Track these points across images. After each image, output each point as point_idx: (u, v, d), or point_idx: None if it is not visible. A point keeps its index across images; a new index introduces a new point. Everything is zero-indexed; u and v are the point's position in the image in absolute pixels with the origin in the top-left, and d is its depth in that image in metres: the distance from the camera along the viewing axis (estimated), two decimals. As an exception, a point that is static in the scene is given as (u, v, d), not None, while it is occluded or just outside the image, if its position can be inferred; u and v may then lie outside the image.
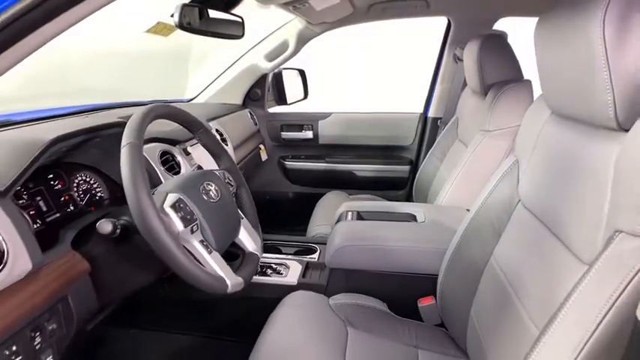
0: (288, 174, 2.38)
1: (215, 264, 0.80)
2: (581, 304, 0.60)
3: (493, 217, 1.02)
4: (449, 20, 2.01)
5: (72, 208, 1.01)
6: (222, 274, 0.80)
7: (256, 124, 2.22)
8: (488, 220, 1.03)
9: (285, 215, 2.36)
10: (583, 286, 0.61)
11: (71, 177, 1.04)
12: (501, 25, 1.93)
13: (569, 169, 0.76)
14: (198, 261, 0.79)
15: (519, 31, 1.81)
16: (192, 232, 0.79)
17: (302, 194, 2.40)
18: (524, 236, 0.90)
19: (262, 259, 1.42)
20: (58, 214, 0.96)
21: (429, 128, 2.20)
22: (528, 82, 1.50)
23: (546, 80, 0.83)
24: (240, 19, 1.36)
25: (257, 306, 1.24)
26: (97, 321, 0.97)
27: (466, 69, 1.69)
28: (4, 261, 0.68)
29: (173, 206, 0.77)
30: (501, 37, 1.59)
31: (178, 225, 0.76)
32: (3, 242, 0.68)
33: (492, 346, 0.89)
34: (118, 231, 0.79)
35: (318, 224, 1.76)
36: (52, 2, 0.50)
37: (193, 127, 0.99)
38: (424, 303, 1.21)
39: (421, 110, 2.25)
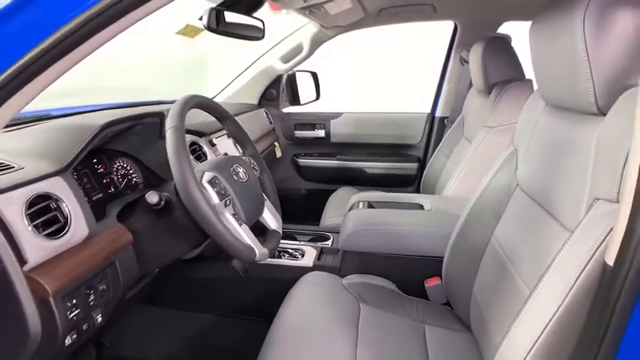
0: (301, 171, 2.49)
1: (245, 235, 0.91)
2: (564, 262, 0.69)
3: (494, 202, 1.12)
4: (455, 24, 2.11)
5: (112, 189, 1.13)
6: (251, 243, 0.90)
7: (271, 123, 2.34)
8: (490, 205, 1.13)
9: (298, 210, 2.47)
10: (566, 247, 0.70)
11: (111, 162, 1.16)
12: (505, 29, 2.04)
13: (559, 152, 0.86)
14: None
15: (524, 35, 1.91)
16: (225, 205, 0.90)
17: (314, 190, 2.50)
18: (521, 216, 1.00)
19: (279, 246, 1.52)
20: (100, 194, 1.08)
21: (436, 127, 2.31)
22: (529, 81, 1.60)
23: (539, 74, 0.93)
24: (261, 22, 1.48)
25: (275, 286, 1.34)
26: (135, 291, 1.08)
27: (471, 69, 1.79)
28: (67, 225, 0.80)
29: (210, 182, 0.88)
30: (504, 39, 1.69)
31: (214, 198, 0.87)
32: (67, 209, 0.80)
33: (492, 316, 0.98)
34: (163, 202, 0.90)
35: (331, 216, 1.87)
36: (119, 5, 0.61)
37: (223, 117, 1.10)
38: (430, 283, 1.30)
39: (429, 110, 2.35)
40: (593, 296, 0.59)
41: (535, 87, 1.57)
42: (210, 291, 1.47)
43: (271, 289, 1.39)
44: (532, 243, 0.89)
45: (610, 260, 0.54)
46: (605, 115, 0.72)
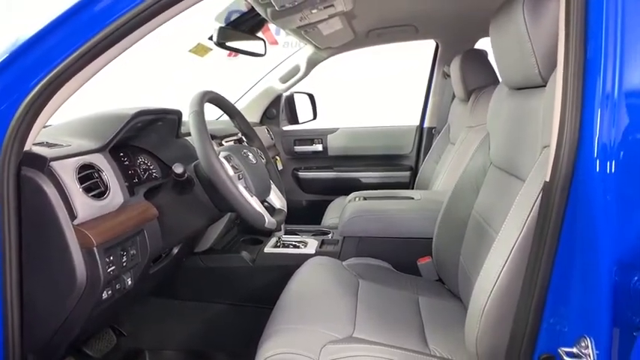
0: (301, 183, 2.65)
1: (256, 204, 1.05)
2: (522, 201, 0.84)
3: (472, 180, 1.27)
4: (437, 43, 2.34)
5: (136, 180, 1.28)
6: (261, 211, 1.05)
7: (272, 139, 2.52)
8: (469, 183, 1.28)
9: (299, 220, 2.60)
10: (521, 193, 0.85)
11: (135, 157, 1.32)
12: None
13: (519, 123, 1.03)
14: None
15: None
16: (239, 178, 1.05)
17: (314, 201, 2.64)
18: (494, 186, 1.15)
19: (283, 239, 1.66)
20: (127, 183, 1.23)
21: (425, 137, 2.50)
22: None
23: (499, 64, 1.11)
24: (263, 41, 1.68)
25: (281, 273, 1.46)
26: (158, 267, 1.21)
27: (452, 79, 1.99)
28: (107, 192, 0.95)
29: (225, 158, 1.04)
30: (479, 51, 1.90)
31: (230, 170, 1.03)
32: (107, 178, 0.95)
33: (475, 273, 1.11)
34: (186, 175, 1.05)
35: (331, 217, 2.01)
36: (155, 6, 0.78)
37: (232, 112, 1.27)
38: (423, 262, 1.43)
39: (417, 122, 2.55)
40: (537, 216, 0.73)
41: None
42: (222, 281, 1.59)
43: (277, 276, 1.50)
44: (502, 203, 1.03)
45: (547, 177, 0.69)
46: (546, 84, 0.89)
